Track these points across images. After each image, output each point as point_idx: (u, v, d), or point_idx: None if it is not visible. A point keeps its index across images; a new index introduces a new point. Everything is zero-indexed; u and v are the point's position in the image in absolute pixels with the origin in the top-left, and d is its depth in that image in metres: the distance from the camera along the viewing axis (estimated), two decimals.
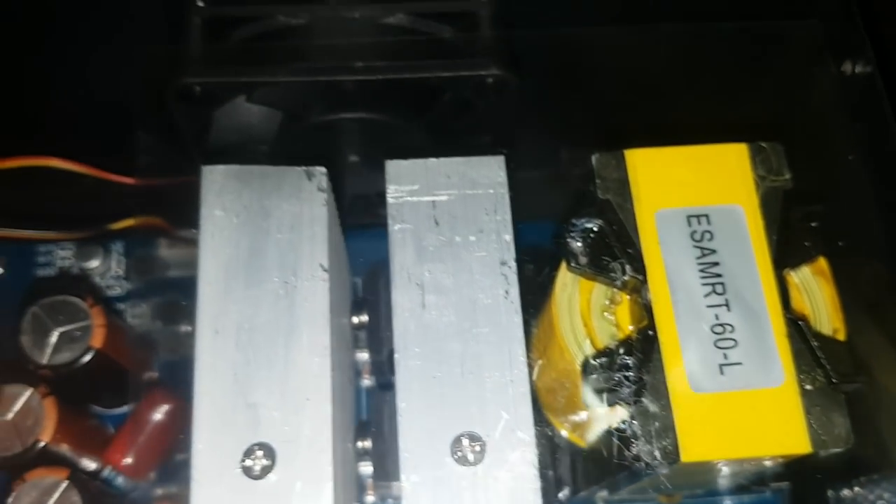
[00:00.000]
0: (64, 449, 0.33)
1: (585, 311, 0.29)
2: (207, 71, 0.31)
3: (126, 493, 0.35)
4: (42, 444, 0.32)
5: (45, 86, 0.37)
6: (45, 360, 0.33)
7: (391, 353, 0.30)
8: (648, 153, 0.29)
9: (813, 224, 0.28)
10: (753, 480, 0.32)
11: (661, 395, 0.26)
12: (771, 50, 0.33)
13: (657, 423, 0.25)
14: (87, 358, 0.33)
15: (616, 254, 0.28)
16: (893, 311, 0.29)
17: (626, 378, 0.26)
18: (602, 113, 0.32)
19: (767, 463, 0.28)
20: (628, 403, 0.26)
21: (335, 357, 0.27)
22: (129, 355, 0.35)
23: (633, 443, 0.25)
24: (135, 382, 0.36)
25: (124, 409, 0.38)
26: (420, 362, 0.26)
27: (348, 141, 0.35)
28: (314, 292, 0.27)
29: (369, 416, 0.36)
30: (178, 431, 0.31)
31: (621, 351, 0.27)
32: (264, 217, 0.28)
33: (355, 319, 0.34)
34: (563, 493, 0.33)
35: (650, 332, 0.27)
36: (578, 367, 0.27)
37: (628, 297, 0.28)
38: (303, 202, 0.29)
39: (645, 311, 0.27)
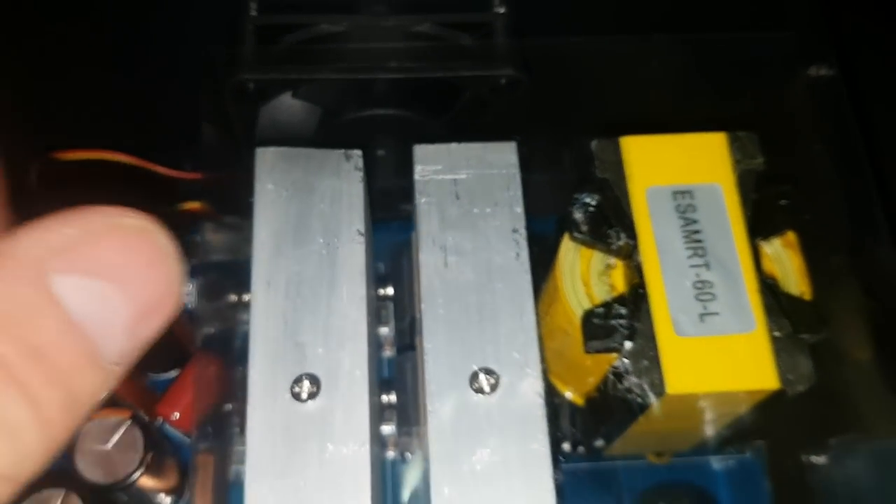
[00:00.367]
0: (125, 401, 0.37)
1: (585, 274, 0.33)
2: (259, 70, 0.36)
3: (176, 442, 0.39)
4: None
5: (107, 83, 0.42)
6: None
7: (413, 319, 0.34)
8: (640, 139, 0.33)
9: (783, 202, 0.33)
10: (733, 433, 0.36)
11: (650, 338, 0.30)
12: (752, 57, 0.37)
13: (646, 362, 0.30)
14: None
15: (612, 224, 0.32)
16: (851, 279, 0.33)
17: (621, 325, 0.30)
18: (602, 111, 0.37)
19: (744, 407, 0.32)
20: (622, 346, 0.30)
21: (370, 306, 0.31)
22: (182, 328, 0.40)
23: (625, 377, 0.29)
24: (184, 351, 0.41)
25: (172, 374, 0.42)
26: (443, 311, 0.31)
27: (378, 135, 0.40)
28: (352, 252, 0.32)
29: (391, 376, 0.40)
30: (220, 392, 0.35)
31: (616, 304, 0.31)
32: (309, 192, 0.33)
33: (381, 292, 0.39)
34: (565, 446, 0.37)
35: (641, 290, 0.31)
36: (579, 322, 0.32)
37: (622, 262, 0.32)
38: (342, 179, 0.33)
39: (636, 272, 0.31)
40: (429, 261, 0.32)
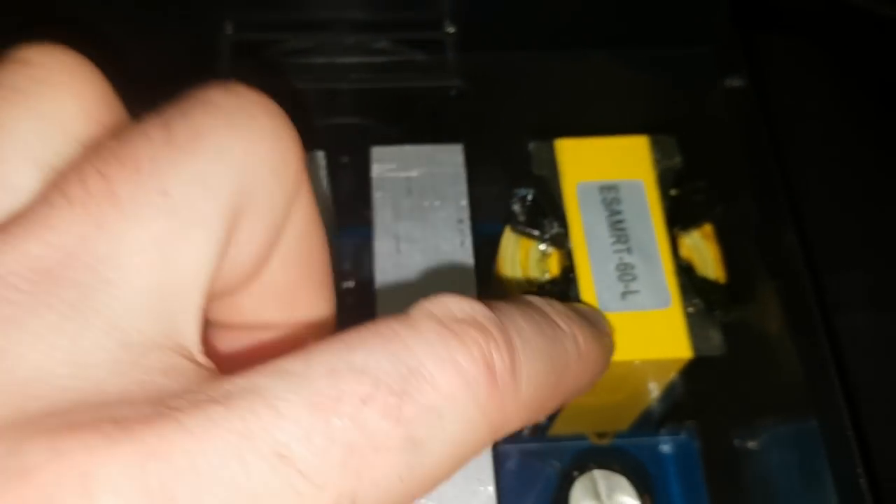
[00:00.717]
0: None
1: (524, 262, 0.37)
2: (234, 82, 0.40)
3: None
4: None
5: None
6: None
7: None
8: (572, 141, 0.37)
9: (699, 197, 0.37)
10: (666, 410, 0.40)
11: None
12: (676, 70, 0.42)
13: None
14: None
15: (547, 215, 0.36)
16: (761, 263, 0.37)
17: None
18: (541, 118, 0.41)
19: (667, 376, 0.35)
20: None
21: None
22: None
23: None
24: None
25: None
26: (393, 291, 0.34)
27: (341, 143, 0.44)
28: None
29: None
30: None
31: (549, 284, 0.35)
32: None
33: (344, 285, 0.43)
34: None
35: (571, 275, 0.35)
36: None
37: (556, 249, 0.36)
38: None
39: (567, 257, 0.35)
40: (382, 248, 0.35)
